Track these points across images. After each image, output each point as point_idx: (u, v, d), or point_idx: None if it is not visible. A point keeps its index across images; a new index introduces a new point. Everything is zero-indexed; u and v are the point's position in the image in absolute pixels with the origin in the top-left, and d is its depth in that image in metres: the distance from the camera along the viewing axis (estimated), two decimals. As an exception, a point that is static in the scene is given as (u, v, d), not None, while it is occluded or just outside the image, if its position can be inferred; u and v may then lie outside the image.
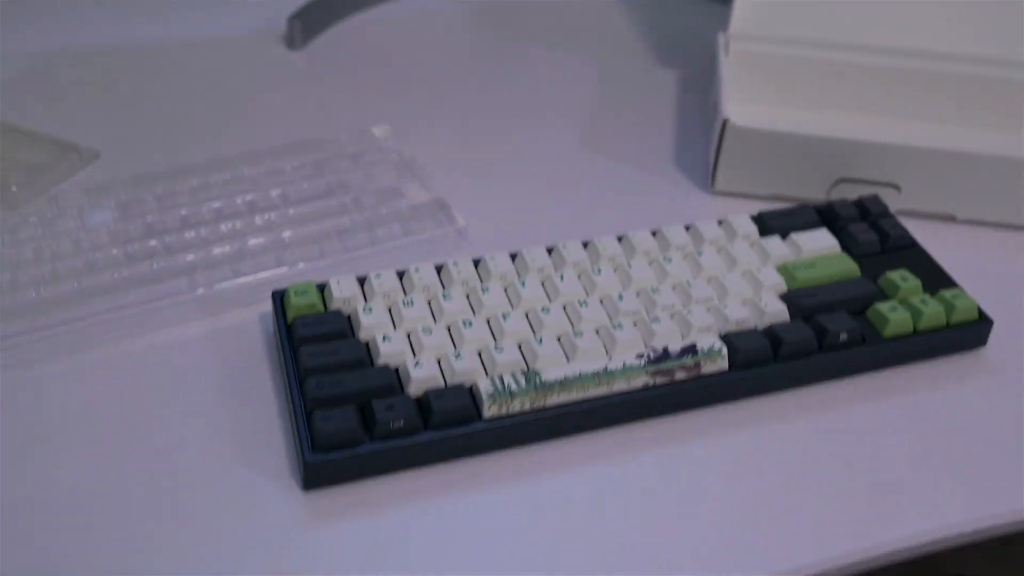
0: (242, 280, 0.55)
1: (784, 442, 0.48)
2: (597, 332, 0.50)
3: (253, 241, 0.57)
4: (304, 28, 0.79)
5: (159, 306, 0.53)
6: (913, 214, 0.63)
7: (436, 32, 0.82)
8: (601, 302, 0.51)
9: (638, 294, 0.52)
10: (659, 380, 0.48)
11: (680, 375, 0.48)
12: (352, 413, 0.44)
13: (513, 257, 0.54)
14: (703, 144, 0.69)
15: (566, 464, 0.46)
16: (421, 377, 0.46)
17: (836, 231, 0.57)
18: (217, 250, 0.56)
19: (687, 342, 0.49)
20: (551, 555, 0.43)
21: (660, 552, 0.43)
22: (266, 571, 0.41)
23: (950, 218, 0.63)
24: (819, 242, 0.55)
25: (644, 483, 0.46)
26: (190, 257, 0.55)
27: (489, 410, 0.45)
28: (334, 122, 0.69)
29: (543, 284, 0.52)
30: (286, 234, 0.58)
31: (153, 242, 0.56)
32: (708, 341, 0.49)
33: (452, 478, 0.46)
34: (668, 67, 0.79)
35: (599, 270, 0.53)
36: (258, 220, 0.58)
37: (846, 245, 0.56)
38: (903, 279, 0.53)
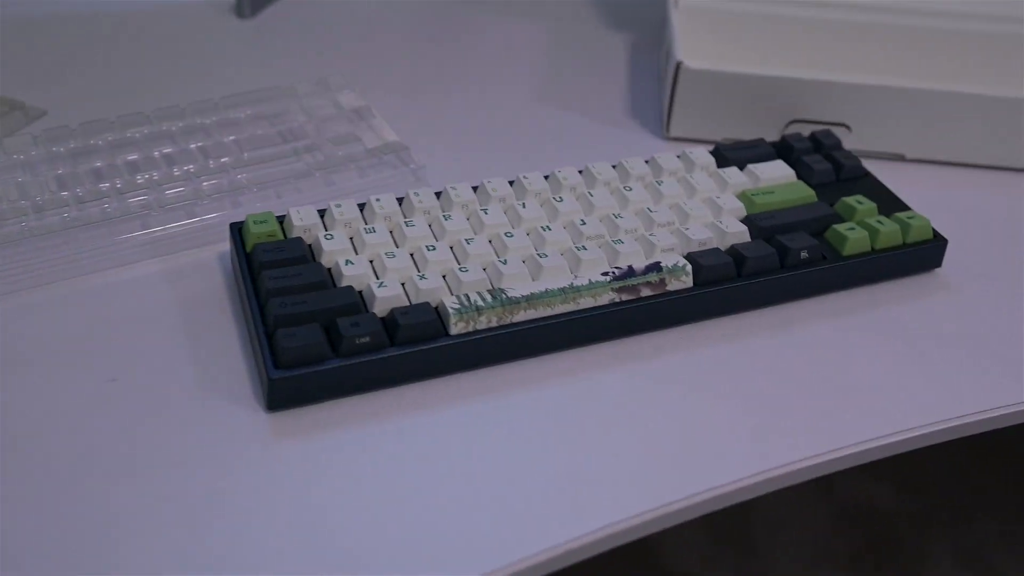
0: (197, 220, 0.54)
1: (750, 357, 0.48)
2: (562, 254, 0.49)
3: (207, 183, 0.56)
4: (253, -4, 0.78)
5: (113, 247, 0.52)
6: (864, 154, 0.64)
7: (391, 7, 0.82)
8: (564, 227, 0.51)
9: (601, 219, 0.52)
10: (625, 297, 0.48)
11: (646, 292, 0.48)
12: (317, 330, 0.44)
13: (475, 189, 0.53)
14: (656, 96, 0.70)
15: (533, 381, 0.46)
16: (386, 296, 0.45)
17: (792, 163, 0.58)
18: (170, 192, 0.55)
19: (652, 260, 0.49)
20: (517, 471, 0.42)
21: (624, 466, 0.43)
22: (232, 491, 0.40)
23: (899, 157, 0.64)
24: (776, 172, 0.56)
25: (611, 400, 0.45)
26: (143, 199, 0.54)
27: (456, 326, 0.45)
28: (286, 82, 0.69)
29: (506, 212, 0.52)
30: (241, 176, 0.57)
31: (104, 185, 0.55)
32: (672, 259, 0.49)
33: (419, 397, 0.45)
34: (619, 31, 0.80)
35: (561, 198, 0.52)
36: (212, 164, 0.57)
37: (802, 175, 0.57)
38: (859, 202, 0.54)
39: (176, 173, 0.56)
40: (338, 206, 0.51)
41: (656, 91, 0.70)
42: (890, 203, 0.56)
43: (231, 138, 0.60)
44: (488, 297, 0.46)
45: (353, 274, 0.47)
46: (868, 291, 0.53)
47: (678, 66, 0.62)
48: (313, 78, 0.66)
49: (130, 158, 0.57)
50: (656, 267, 0.48)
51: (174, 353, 0.46)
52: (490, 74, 0.72)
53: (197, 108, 0.61)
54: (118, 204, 0.54)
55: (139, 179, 0.56)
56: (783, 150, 0.59)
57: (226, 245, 0.53)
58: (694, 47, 0.67)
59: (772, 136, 0.64)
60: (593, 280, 0.47)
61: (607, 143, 0.65)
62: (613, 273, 0.48)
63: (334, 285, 0.47)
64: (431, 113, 0.67)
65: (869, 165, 0.63)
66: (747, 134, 0.64)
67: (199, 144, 0.59)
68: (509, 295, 0.46)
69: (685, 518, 0.41)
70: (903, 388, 0.47)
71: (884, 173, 0.62)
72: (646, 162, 0.56)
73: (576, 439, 0.43)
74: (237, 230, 0.50)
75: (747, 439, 0.44)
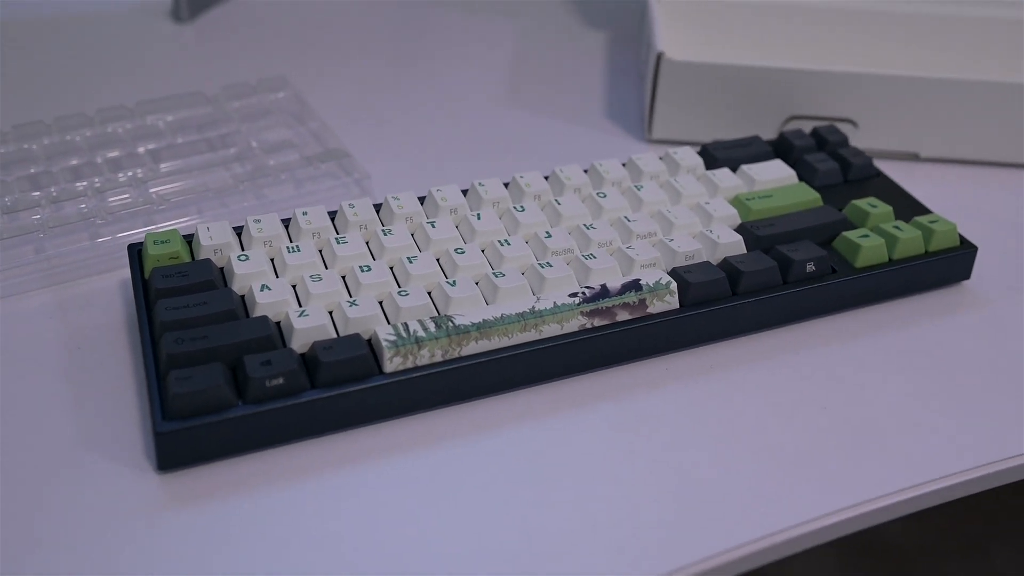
0: (100, 242, 0.46)
1: (748, 394, 0.40)
2: (523, 272, 0.41)
3: (114, 199, 0.48)
4: (191, 1, 0.70)
5: (1, 275, 0.44)
6: (872, 153, 0.56)
7: (348, 7, 0.75)
8: (526, 241, 0.43)
9: (570, 231, 0.44)
10: (598, 322, 0.40)
11: (623, 315, 0.40)
12: (218, 371, 0.35)
13: (422, 200, 0.45)
14: (636, 96, 0.62)
15: (485, 428, 0.38)
16: (306, 327, 0.37)
17: (792, 162, 0.50)
18: (70, 209, 0.47)
19: (630, 277, 0.41)
20: (464, 540, 0.34)
21: (597, 534, 0.34)
22: (113, 570, 0.32)
23: (913, 156, 0.56)
24: (774, 172, 0.48)
25: (580, 450, 0.37)
26: (36, 218, 0.46)
27: (391, 362, 0.37)
28: (225, 79, 0.61)
29: (458, 225, 0.44)
30: (156, 191, 0.49)
31: (-9, 203, 0.47)
32: (654, 276, 0.41)
33: (346, 451, 0.37)
34: (596, 28, 0.72)
35: (522, 208, 0.45)
36: (122, 177, 0.49)
37: (804, 176, 0.49)
38: (872, 206, 0.46)
39: (79, 187, 0.48)
40: (256, 221, 0.43)
41: (637, 91, 0.63)
42: (908, 206, 0.48)
43: (149, 147, 0.52)
44: (431, 326, 0.38)
45: (269, 301, 0.39)
46: (886, 309, 0.45)
47: (659, 58, 0.54)
48: (252, 77, 0.59)
49: (25, 173, 0.50)
50: (635, 285, 0.40)
51: (56, 402, 0.38)
52: (455, 75, 0.64)
53: (108, 115, 0.54)
54: (6, 223, 0.46)
55: (35, 195, 0.48)
56: (781, 148, 0.51)
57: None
58: (677, 37, 0.60)
59: (769, 135, 0.56)
60: (559, 303, 0.39)
61: (582, 147, 0.57)
62: (583, 294, 0.40)
63: (247, 315, 0.39)
64: (384, 118, 0.59)
65: (879, 165, 0.55)
66: (739, 133, 0.56)
67: (108, 154, 0.51)
68: (457, 323, 0.38)
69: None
70: (929, 427, 0.39)
71: (897, 174, 0.54)
72: (623, 164, 0.48)
73: (536, 500, 0.35)
74: (136, 252, 0.42)
75: (746, 496, 0.36)
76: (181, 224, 0.47)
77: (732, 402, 0.39)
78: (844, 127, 0.55)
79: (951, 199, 0.52)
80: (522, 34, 0.70)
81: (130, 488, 0.35)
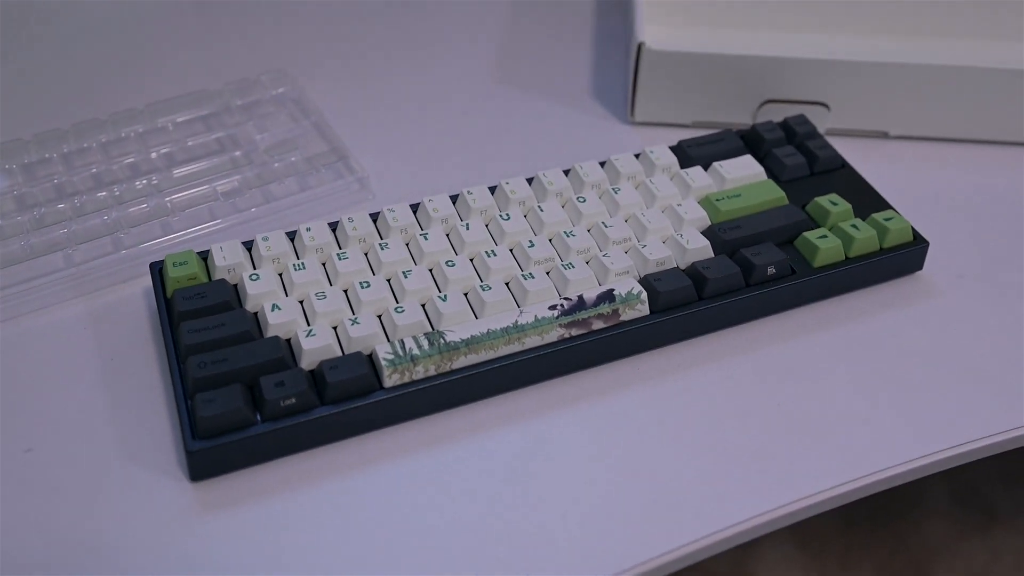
0: (124, 252, 0.50)
1: (713, 387, 0.45)
2: (507, 283, 0.46)
3: (134, 209, 0.52)
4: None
5: (31, 287, 0.48)
6: (844, 133, 0.59)
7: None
8: (511, 249, 0.47)
9: (551, 238, 0.48)
10: (575, 332, 0.44)
11: (597, 324, 0.44)
12: (238, 393, 0.40)
13: (415, 209, 0.49)
14: (622, 72, 0.65)
15: (478, 429, 0.43)
16: (313, 347, 0.42)
17: (761, 156, 0.54)
18: (95, 220, 0.51)
19: (604, 288, 0.45)
20: (470, 528, 0.39)
21: (588, 518, 0.40)
22: (154, 570, 0.38)
23: (883, 135, 0.59)
24: (743, 170, 0.52)
25: (564, 444, 0.42)
26: (64, 231, 0.51)
27: (390, 378, 0.42)
28: (225, 74, 0.64)
29: (448, 235, 0.48)
30: (171, 199, 0.53)
31: (20, 217, 0.51)
32: (626, 286, 0.45)
33: (355, 456, 0.42)
34: (584, 6, 0.74)
35: (507, 216, 0.48)
36: (139, 185, 0.53)
37: (772, 170, 0.53)
38: (833, 204, 0.50)
39: (101, 197, 0.53)
40: (264, 239, 0.47)
41: (623, 70, 0.65)
42: (868, 200, 0.51)
43: (162, 151, 0.56)
44: (425, 343, 0.42)
45: (280, 322, 0.43)
46: (841, 302, 0.49)
47: (640, 48, 0.57)
48: (251, 63, 0.61)
49: (54, 182, 0.54)
50: (609, 296, 0.45)
51: (95, 414, 0.43)
52: (444, 51, 0.67)
53: (123, 118, 0.57)
54: (38, 238, 0.50)
55: (60, 207, 0.52)
56: (752, 141, 0.54)
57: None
58: (659, 22, 0.62)
59: (745, 118, 0.59)
60: (539, 316, 0.44)
61: (568, 129, 0.60)
62: (561, 307, 0.44)
63: (261, 333, 0.44)
64: (378, 100, 0.62)
65: (851, 144, 0.58)
66: (719, 115, 0.59)
67: (126, 161, 0.55)
68: (448, 340, 0.42)
69: (638, 582, 0.39)
70: (880, 417, 0.44)
71: (866, 153, 0.57)
72: (601, 165, 0.52)
73: (526, 490, 0.40)
74: (158, 271, 0.47)
75: (707, 489, 0.41)
76: (195, 231, 0.51)
77: (693, 401, 0.44)
78: (817, 110, 0.58)
79: (915, 177, 0.56)
80: (512, 12, 0.72)
81: (167, 496, 0.40)
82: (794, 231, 0.49)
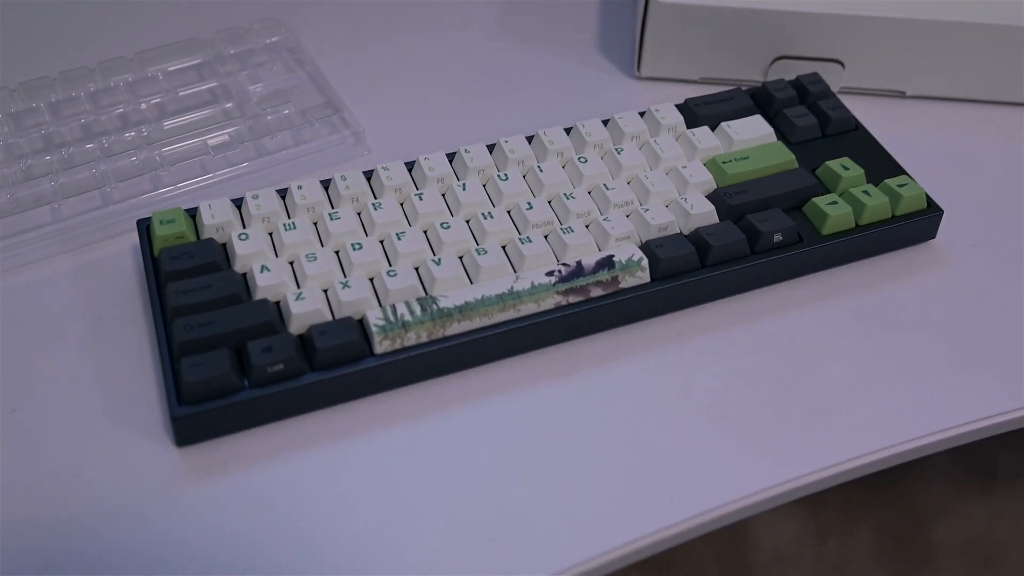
0: (113, 207, 0.49)
1: (714, 358, 0.44)
2: (504, 246, 0.44)
3: (123, 162, 0.51)
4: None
5: (18, 241, 0.47)
6: (859, 91, 0.57)
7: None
8: (509, 211, 0.46)
9: (550, 200, 0.46)
10: (572, 299, 0.43)
11: (596, 292, 0.43)
12: (225, 357, 0.39)
13: (411, 167, 0.48)
14: (630, 25, 0.63)
15: (471, 397, 0.42)
16: (303, 311, 0.41)
17: (771, 116, 0.52)
18: (83, 174, 0.50)
19: (603, 254, 0.44)
20: (462, 498, 0.38)
21: (581, 492, 0.39)
22: (139, 537, 0.37)
23: (899, 94, 0.57)
24: (752, 131, 0.50)
25: (560, 413, 0.41)
26: (52, 184, 0.49)
27: (381, 345, 0.40)
28: (216, 21, 0.62)
29: (444, 195, 0.47)
30: (161, 152, 0.51)
31: (7, 169, 0.50)
32: (627, 252, 0.44)
33: (345, 422, 0.41)
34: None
35: (506, 176, 0.47)
36: (129, 136, 0.52)
37: (782, 131, 0.51)
38: (844, 168, 0.48)
39: (88, 148, 0.51)
40: (255, 197, 0.45)
41: (630, 22, 0.63)
42: (881, 164, 0.50)
43: (152, 100, 0.54)
44: (417, 309, 0.41)
45: (269, 284, 0.42)
46: (849, 270, 0.47)
47: (648, 0, 0.55)
48: (239, 21, 0.59)
49: (37, 133, 0.52)
50: (608, 263, 0.43)
51: (81, 375, 0.42)
52: (446, 4, 0.64)
53: (110, 68, 0.55)
54: (24, 191, 0.49)
55: (48, 159, 0.50)
56: (763, 100, 0.52)
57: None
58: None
59: (756, 74, 0.57)
60: (536, 283, 0.42)
61: (573, 83, 0.58)
62: (559, 273, 0.43)
63: (249, 295, 0.42)
64: (376, 50, 0.60)
65: (866, 104, 0.56)
66: (728, 72, 0.57)
67: (116, 111, 0.53)
68: (440, 306, 0.41)
69: (635, 559, 0.38)
70: (885, 392, 0.42)
71: (882, 113, 0.55)
72: (605, 123, 0.50)
73: (518, 461, 0.40)
74: (145, 228, 0.45)
75: (710, 462, 0.40)
76: (186, 186, 0.50)
77: (693, 372, 0.43)
78: (831, 67, 0.56)
79: (931, 140, 0.54)
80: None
81: (153, 462, 0.39)
82: (803, 196, 0.47)
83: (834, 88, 0.56)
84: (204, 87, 0.55)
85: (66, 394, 0.42)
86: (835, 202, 0.46)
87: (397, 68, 0.59)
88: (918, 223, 0.47)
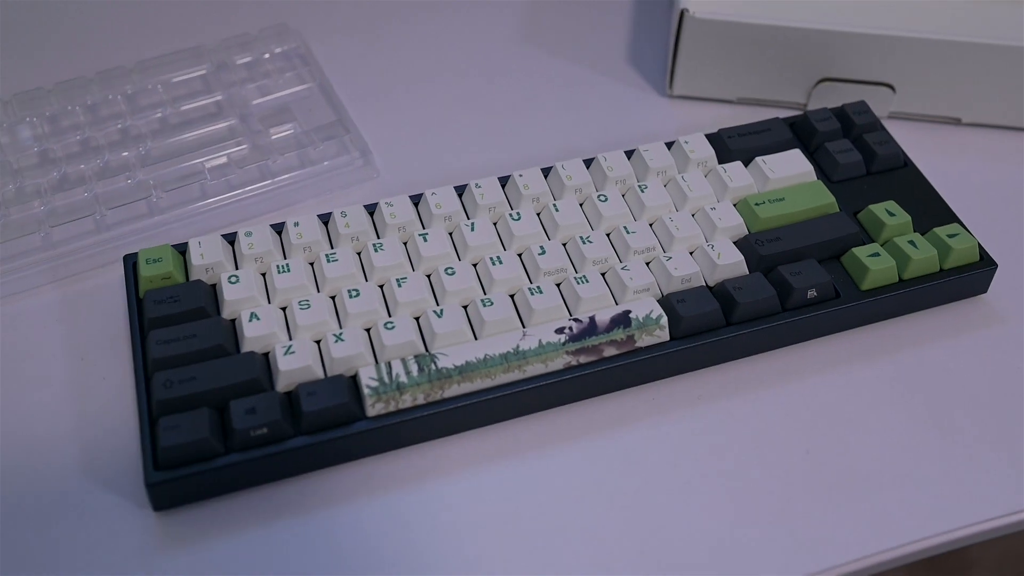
0: (105, 235, 0.46)
1: (735, 427, 0.40)
2: (512, 296, 0.41)
3: (119, 184, 0.48)
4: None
5: (6, 270, 0.45)
6: (910, 117, 0.52)
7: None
8: (519, 256, 0.42)
9: (565, 243, 0.43)
10: (583, 359, 0.39)
11: (609, 351, 0.39)
12: (205, 419, 0.37)
13: (417, 201, 0.44)
14: (663, 39, 0.58)
15: (467, 464, 0.39)
16: (291, 368, 0.38)
17: (812, 150, 0.47)
18: (77, 197, 0.47)
19: (620, 309, 0.40)
20: (455, 572, 0.36)
21: (582, 566, 0.36)
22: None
23: (954, 121, 0.53)
24: (790, 167, 0.46)
25: (565, 482, 0.38)
26: (42, 207, 0.47)
27: (373, 408, 0.38)
28: (222, 28, 0.58)
29: (451, 235, 0.43)
30: (160, 173, 0.48)
31: (-4, 190, 0.47)
32: (645, 308, 0.40)
33: (332, 488, 0.38)
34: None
35: (518, 215, 0.43)
36: (126, 155, 0.49)
37: (823, 168, 0.47)
38: (890, 214, 0.44)
39: (83, 169, 0.48)
40: (248, 235, 0.42)
41: (663, 36, 0.59)
42: (931, 209, 0.45)
43: (152, 116, 0.51)
44: (414, 368, 0.38)
45: (257, 335, 0.39)
46: (890, 325, 0.43)
47: (682, 15, 0.50)
48: (246, 28, 0.56)
49: (30, 150, 0.49)
50: (624, 320, 0.40)
51: (60, 423, 0.40)
52: (464, 6, 0.60)
53: (108, 78, 0.52)
54: (15, 214, 0.46)
55: (38, 182, 0.48)
56: (803, 131, 0.48)
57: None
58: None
59: (797, 96, 0.53)
60: (544, 341, 0.39)
61: (601, 101, 0.54)
62: (570, 330, 0.39)
63: (236, 346, 0.40)
64: (393, 62, 0.56)
65: (917, 131, 0.52)
66: (767, 93, 0.53)
67: (116, 126, 0.50)
68: (439, 365, 0.38)
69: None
70: (929, 471, 0.39)
71: (934, 142, 0.51)
72: (628, 155, 0.46)
73: (517, 537, 0.37)
74: (132, 265, 0.43)
75: (723, 546, 0.36)
76: (186, 211, 0.47)
77: (711, 442, 0.39)
78: (881, 92, 0.51)
79: (987, 172, 0.50)
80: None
81: (128, 525, 0.37)
82: (842, 246, 0.43)
83: (883, 113, 0.52)
84: (208, 100, 0.52)
85: (43, 445, 0.39)
86: (877, 254, 0.42)
87: (412, 77, 0.55)
88: (968, 277, 0.43)
